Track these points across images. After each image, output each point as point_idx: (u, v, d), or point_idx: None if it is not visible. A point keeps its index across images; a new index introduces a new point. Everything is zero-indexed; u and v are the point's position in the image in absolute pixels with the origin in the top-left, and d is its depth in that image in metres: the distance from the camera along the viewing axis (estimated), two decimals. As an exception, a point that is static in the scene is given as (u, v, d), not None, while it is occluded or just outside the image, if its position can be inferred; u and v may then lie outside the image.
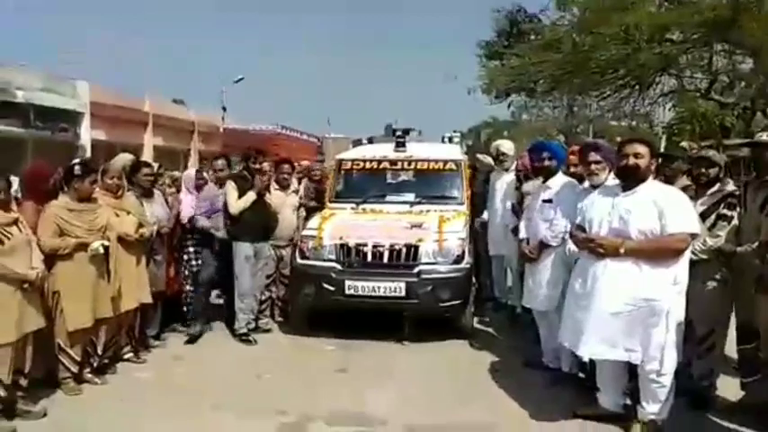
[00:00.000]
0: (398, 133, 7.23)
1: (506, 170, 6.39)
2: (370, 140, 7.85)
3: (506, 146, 6.74)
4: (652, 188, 3.63)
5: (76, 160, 4.43)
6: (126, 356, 4.96)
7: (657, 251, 3.53)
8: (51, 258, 4.15)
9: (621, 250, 3.52)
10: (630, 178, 3.64)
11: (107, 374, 4.67)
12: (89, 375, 4.51)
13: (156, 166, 6.85)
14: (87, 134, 16.58)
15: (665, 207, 3.51)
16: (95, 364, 4.57)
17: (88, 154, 15.85)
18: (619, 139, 4.23)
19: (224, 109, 26.60)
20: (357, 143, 8.01)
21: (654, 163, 3.73)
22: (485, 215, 6.56)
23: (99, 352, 4.57)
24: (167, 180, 6.03)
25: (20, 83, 14.84)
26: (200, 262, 5.80)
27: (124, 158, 5.43)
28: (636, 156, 3.61)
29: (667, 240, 3.50)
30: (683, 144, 6.36)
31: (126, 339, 4.95)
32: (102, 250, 4.31)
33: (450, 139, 8.71)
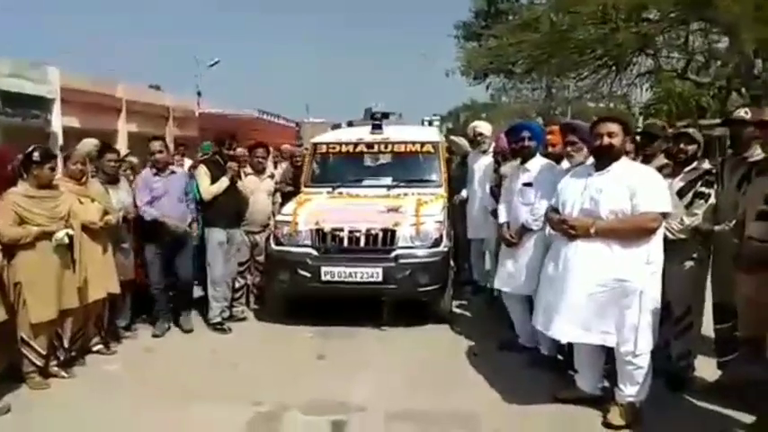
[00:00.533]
0: (375, 115, 7.11)
1: (484, 152, 6.32)
2: (350, 125, 7.72)
3: (483, 127, 6.65)
4: (625, 167, 3.56)
5: (34, 146, 4.21)
6: (95, 348, 4.82)
7: (628, 231, 3.46)
8: (11, 248, 3.99)
9: (592, 230, 3.45)
10: (604, 158, 3.57)
11: (75, 367, 4.53)
12: (55, 369, 4.37)
13: (122, 151, 6.69)
14: (59, 121, 16.21)
15: (636, 186, 3.44)
16: (62, 357, 4.42)
17: (60, 141, 15.50)
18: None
19: (199, 94, 26.17)
20: (336, 128, 7.90)
21: (627, 141, 3.66)
22: (463, 193, 6.49)
23: (65, 344, 4.42)
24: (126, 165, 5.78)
25: (-14, 69, 14.43)
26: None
27: (89, 144, 5.23)
28: (609, 135, 3.53)
29: (638, 219, 3.44)
30: (655, 122, 6.30)
31: (95, 331, 4.80)
32: (66, 239, 4.14)
33: (431, 123, 8.74)
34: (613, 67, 13.96)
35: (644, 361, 3.53)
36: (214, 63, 29.54)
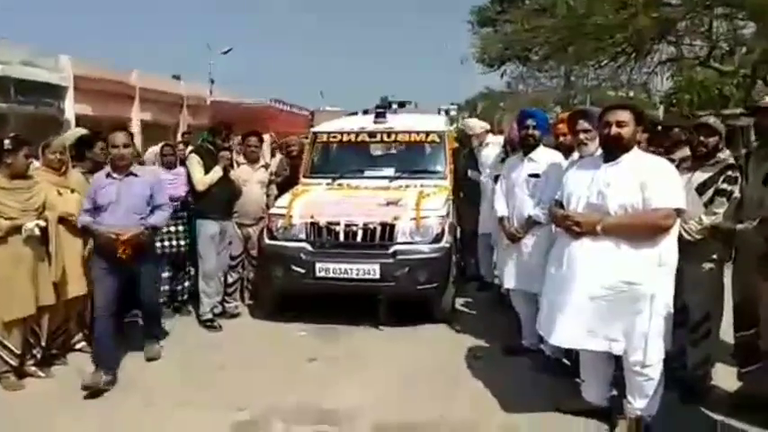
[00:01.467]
0: (392, 104, 6.85)
1: (481, 145, 6.17)
2: (366, 114, 7.42)
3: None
4: (636, 159, 3.22)
5: (11, 135, 3.99)
6: (78, 346, 4.61)
7: (639, 228, 3.14)
8: (-19, 243, 3.78)
9: (599, 227, 3.14)
10: (613, 148, 3.24)
11: (54, 366, 4.32)
12: (32, 368, 4.17)
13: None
14: (71, 108, 16.14)
15: (648, 179, 3.11)
16: (39, 356, 4.21)
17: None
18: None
19: (212, 81, 26.05)
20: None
21: (639, 131, 3.32)
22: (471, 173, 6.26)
23: (43, 342, 4.21)
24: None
25: (-1, 57, 14.40)
26: (169, 243, 5.42)
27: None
28: (619, 124, 3.20)
29: (650, 216, 3.11)
30: (654, 112, 6.00)
31: (77, 328, 4.59)
32: (37, 231, 3.92)
33: (447, 112, 8.41)
34: (633, 55, 13.45)
35: (655, 372, 3.21)
36: (227, 51, 29.36)
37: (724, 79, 15.43)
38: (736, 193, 3.62)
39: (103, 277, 4.19)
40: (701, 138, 3.75)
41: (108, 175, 4.22)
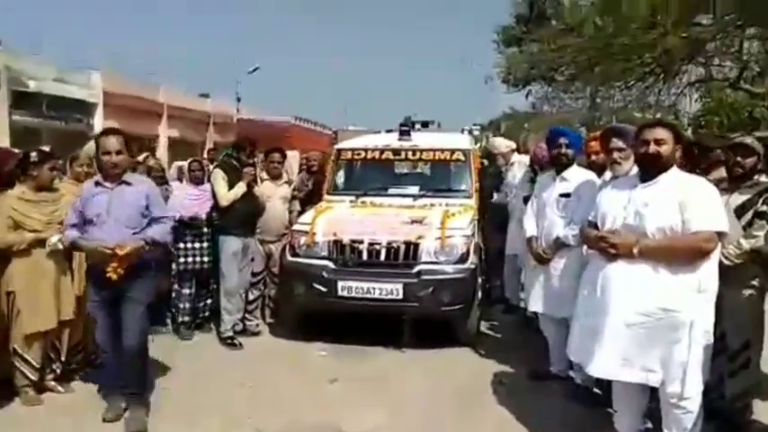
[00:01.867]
0: (415, 124, 6.82)
1: (507, 164, 6.19)
2: (389, 133, 7.37)
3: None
4: (675, 179, 3.08)
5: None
6: (98, 362, 4.55)
7: (679, 252, 2.99)
8: (5, 255, 3.77)
9: (635, 250, 2.99)
10: (651, 167, 3.10)
11: (74, 382, 4.28)
12: (52, 383, 4.12)
13: (144, 155, 6.52)
14: (100, 124, 16.44)
15: (688, 200, 2.97)
16: (59, 371, 4.17)
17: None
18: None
19: (238, 99, 26.37)
20: None
21: (678, 150, 3.19)
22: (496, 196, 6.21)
23: (63, 357, 4.17)
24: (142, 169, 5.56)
25: (32, 73, 14.77)
26: (193, 259, 5.40)
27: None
28: (657, 142, 3.06)
29: (690, 239, 2.96)
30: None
31: (96, 345, 4.53)
32: (60, 245, 3.89)
33: (471, 132, 8.33)
34: (661, 76, 13.24)
35: (694, 404, 3.04)
36: (254, 69, 29.74)
37: (755, 101, 15.14)
38: (777, 216, 3.46)
39: (99, 311, 3.69)
40: (738, 158, 3.60)
41: (97, 184, 3.70)
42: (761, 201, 3.50)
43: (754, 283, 3.52)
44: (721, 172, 3.94)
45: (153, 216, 3.73)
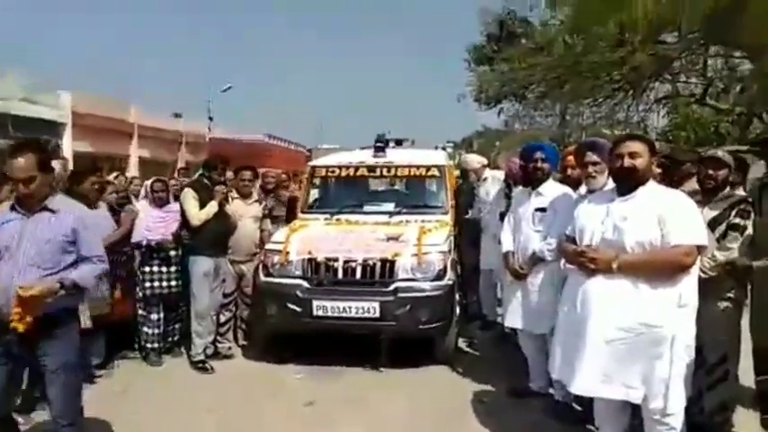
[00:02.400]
0: (389, 142, 6.76)
1: (479, 180, 6.17)
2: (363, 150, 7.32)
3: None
4: (652, 192, 3.07)
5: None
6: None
7: (658, 266, 2.96)
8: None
9: (614, 265, 2.95)
10: (627, 181, 3.08)
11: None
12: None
13: (114, 174, 6.36)
14: (69, 145, 16.10)
15: (666, 214, 2.95)
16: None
17: (71, 166, 15.37)
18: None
19: (210, 119, 26.12)
20: None
21: (654, 163, 3.18)
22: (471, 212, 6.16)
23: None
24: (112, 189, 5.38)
25: (-2, 93, 14.41)
26: (160, 284, 5.20)
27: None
28: (632, 155, 3.04)
29: (670, 253, 2.93)
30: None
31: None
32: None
33: (444, 149, 8.32)
34: (630, 92, 13.55)
35: (677, 421, 3.00)
36: (227, 88, 29.57)
37: (720, 117, 15.55)
38: (750, 229, 3.49)
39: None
40: (710, 171, 3.63)
41: (13, 209, 3.00)
42: (734, 213, 3.52)
43: (731, 295, 3.52)
44: (693, 184, 3.97)
45: (81, 254, 3.00)
